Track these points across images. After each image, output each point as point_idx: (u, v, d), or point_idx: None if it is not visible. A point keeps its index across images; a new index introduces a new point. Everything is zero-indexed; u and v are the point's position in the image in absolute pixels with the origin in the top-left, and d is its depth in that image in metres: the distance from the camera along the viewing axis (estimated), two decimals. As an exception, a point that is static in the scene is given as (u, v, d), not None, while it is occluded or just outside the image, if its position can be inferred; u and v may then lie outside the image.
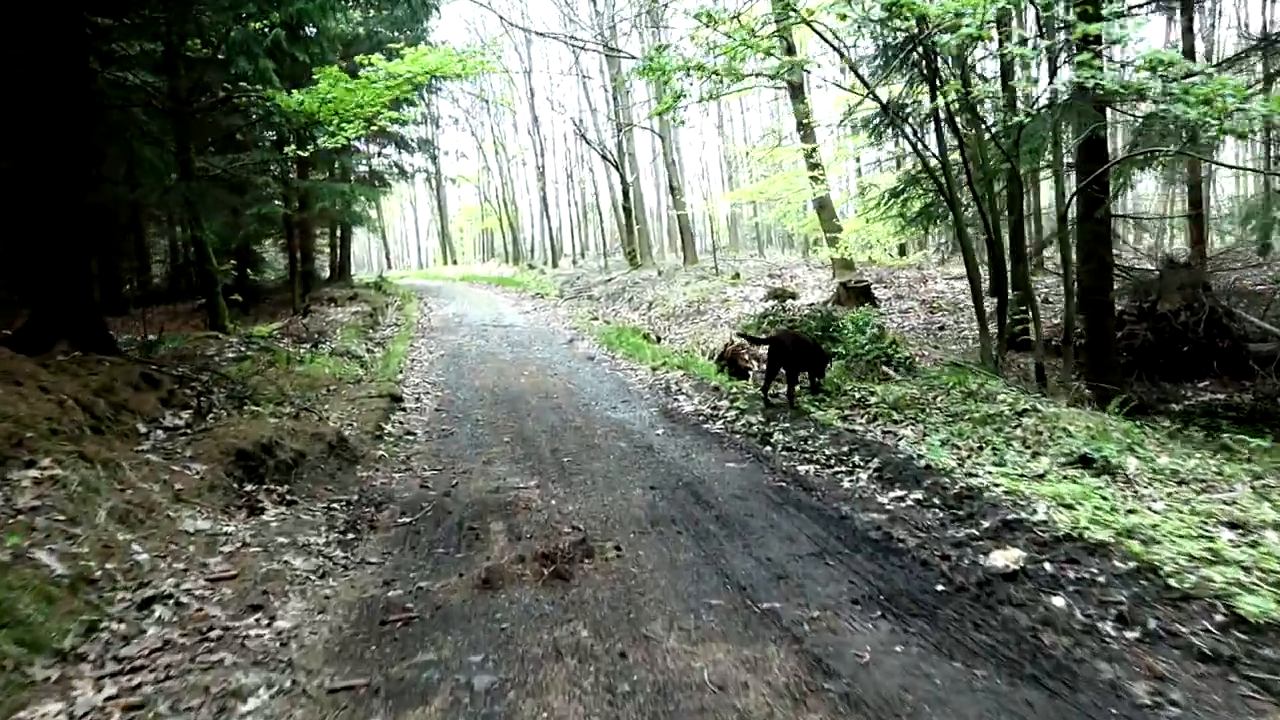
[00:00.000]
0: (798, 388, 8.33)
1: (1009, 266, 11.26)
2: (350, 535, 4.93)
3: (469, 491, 5.89)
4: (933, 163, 9.96)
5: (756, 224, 36.39)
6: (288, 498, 5.45)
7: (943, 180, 9.38)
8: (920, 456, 5.78)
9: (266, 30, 16.56)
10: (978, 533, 4.33)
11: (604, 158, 30.85)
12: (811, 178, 20.32)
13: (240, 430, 6.09)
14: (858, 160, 26.03)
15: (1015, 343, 11.56)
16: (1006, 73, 11.22)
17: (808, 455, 6.39)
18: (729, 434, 7.42)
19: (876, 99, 9.45)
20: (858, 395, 8.09)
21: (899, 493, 5.24)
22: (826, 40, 9.13)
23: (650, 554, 4.40)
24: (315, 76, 13.92)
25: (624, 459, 6.67)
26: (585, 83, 33.37)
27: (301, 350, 13.75)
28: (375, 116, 14.43)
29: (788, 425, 7.25)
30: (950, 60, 9.14)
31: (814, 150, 20.58)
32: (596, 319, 18.81)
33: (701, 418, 8.18)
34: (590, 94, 34.63)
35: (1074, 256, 9.97)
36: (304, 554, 4.49)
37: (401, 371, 12.18)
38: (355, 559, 4.54)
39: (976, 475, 5.30)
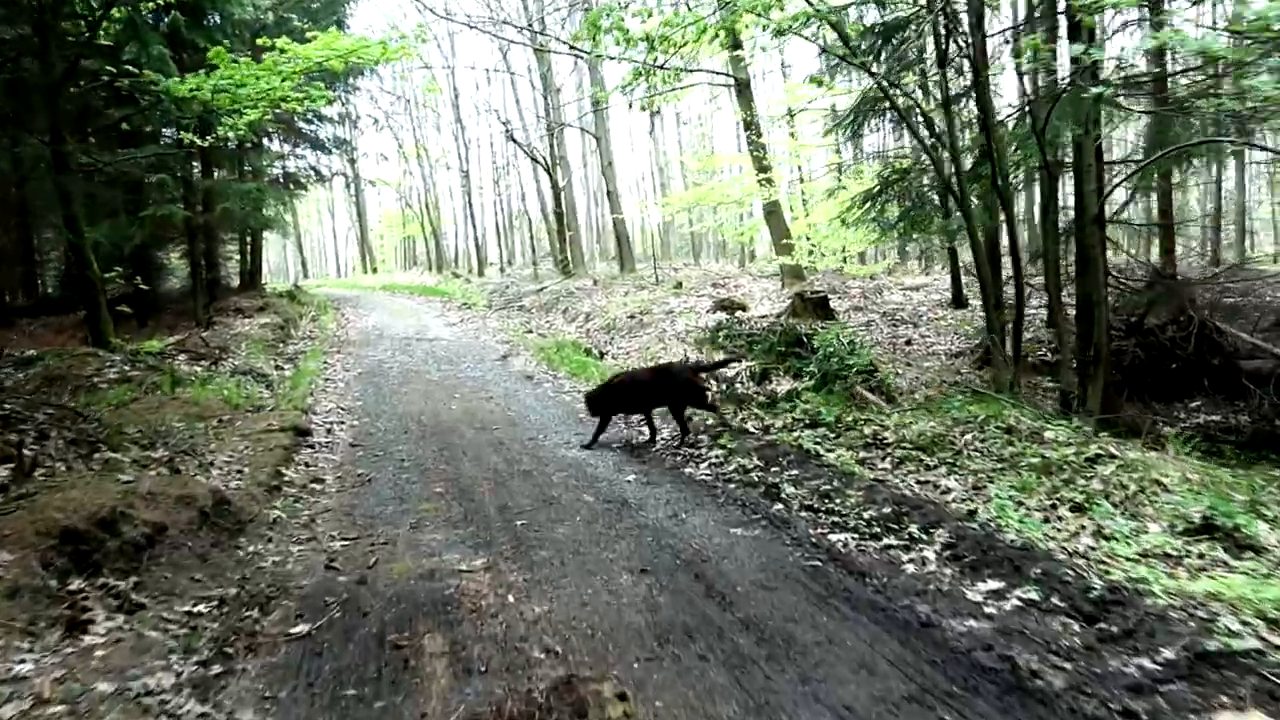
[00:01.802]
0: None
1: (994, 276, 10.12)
2: (217, 666, 3.33)
3: (392, 576, 4.33)
4: (927, 156, 8.70)
5: (691, 233, 35.21)
6: (131, 600, 3.82)
7: (949, 173, 8.11)
8: (1001, 526, 4.42)
9: (162, 14, 14.78)
10: (1160, 668, 2.92)
11: (534, 160, 29.24)
12: (761, 180, 19.07)
13: (73, 497, 4.42)
14: (801, 166, 24.86)
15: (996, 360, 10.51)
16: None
17: (838, 518, 4.94)
18: (721, 481, 5.97)
19: (873, 75, 8.14)
20: (867, 430, 6.74)
21: (993, 584, 3.82)
22: (815, 6, 7.79)
23: (673, 706, 2.92)
24: (210, 59, 12.28)
25: (594, 521, 5.17)
26: (513, 81, 31.80)
27: (197, 369, 11.95)
28: (281, 102, 12.86)
29: (796, 472, 5.82)
30: (961, 34, 7.88)
31: (764, 152, 19.37)
32: (531, 332, 17.26)
33: (679, 457, 6.72)
34: (518, 93, 33.07)
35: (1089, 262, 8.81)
36: (137, 713, 2.90)
37: (312, 394, 10.47)
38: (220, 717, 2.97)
39: (1089, 556, 3.97)
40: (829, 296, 15.90)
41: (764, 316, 15.38)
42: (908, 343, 14.02)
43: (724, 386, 10.29)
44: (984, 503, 4.93)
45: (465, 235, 42.73)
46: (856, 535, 4.65)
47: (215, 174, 20.64)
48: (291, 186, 26.41)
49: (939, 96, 8.55)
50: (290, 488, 6.21)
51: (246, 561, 4.57)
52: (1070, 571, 3.75)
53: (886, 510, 4.84)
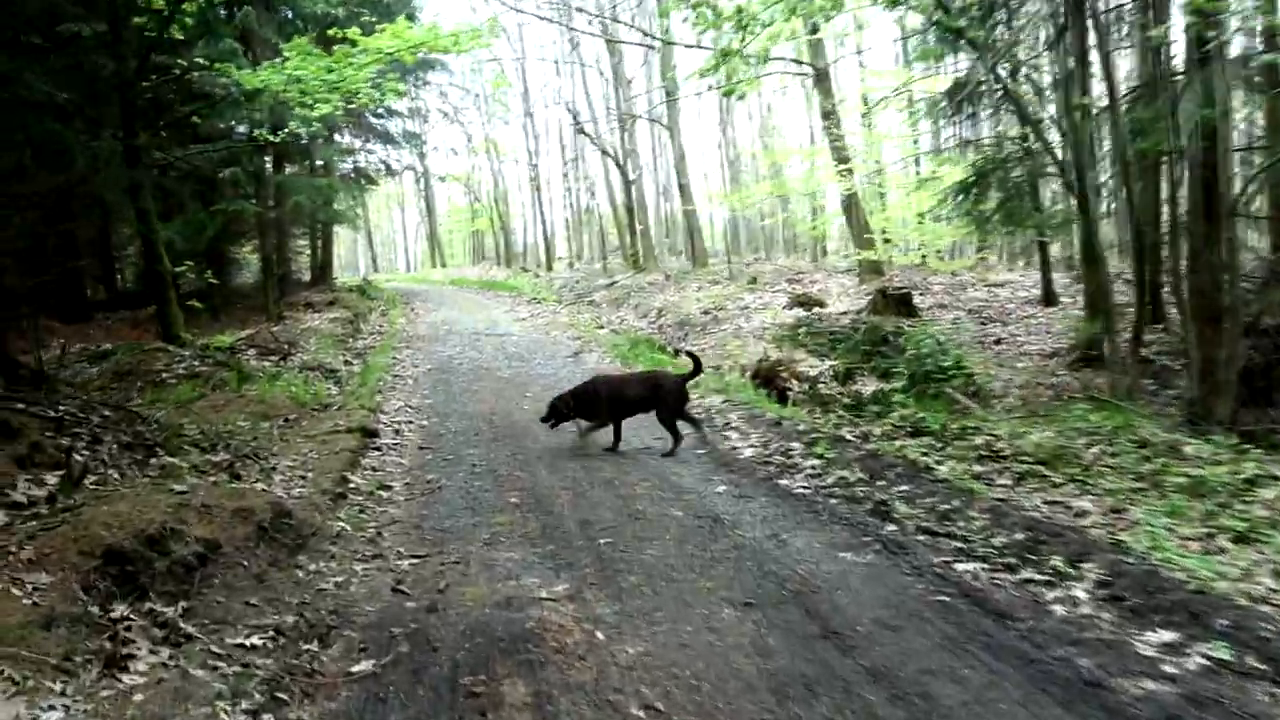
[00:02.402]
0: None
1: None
2: (268, 717, 2.91)
3: (465, 603, 3.86)
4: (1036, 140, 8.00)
5: (763, 227, 34.48)
6: (179, 629, 3.43)
7: (1064, 157, 7.41)
8: (1160, 561, 3.79)
9: (235, 8, 14.69)
10: None
11: (604, 153, 28.84)
12: (840, 172, 18.36)
13: (122, 510, 4.05)
14: (879, 158, 24.02)
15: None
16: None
17: (962, 544, 4.32)
18: (821, 496, 5.39)
19: (978, 48, 7.47)
20: (977, 440, 6.14)
21: (1166, 635, 3.19)
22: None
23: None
24: (283, 52, 12.11)
25: (686, 540, 4.65)
26: (583, 73, 31.41)
27: (265, 364, 11.75)
28: (353, 96, 12.67)
29: (906, 488, 5.23)
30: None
31: (842, 143, 18.67)
32: (602, 327, 16.79)
33: (772, 467, 6.17)
34: (588, 86, 32.67)
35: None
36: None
37: (381, 392, 10.15)
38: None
39: (1273, 602, 3.36)
40: (911, 293, 15.17)
41: (843, 313, 14.76)
42: (997, 342, 13.26)
43: (807, 386, 9.73)
44: (1129, 530, 4.30)
45: (534, 230, 42.51)
46: (987, 565, 4.03)
47: (286, 169, 20.63)
48: (362, 181, 26.41)
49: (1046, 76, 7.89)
50: (356, 495, 5.82)
51: (306, 583, 4.16)
52: (1267, 626, 3.13)
53: (1019, 536, 4.24)
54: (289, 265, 23.22)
